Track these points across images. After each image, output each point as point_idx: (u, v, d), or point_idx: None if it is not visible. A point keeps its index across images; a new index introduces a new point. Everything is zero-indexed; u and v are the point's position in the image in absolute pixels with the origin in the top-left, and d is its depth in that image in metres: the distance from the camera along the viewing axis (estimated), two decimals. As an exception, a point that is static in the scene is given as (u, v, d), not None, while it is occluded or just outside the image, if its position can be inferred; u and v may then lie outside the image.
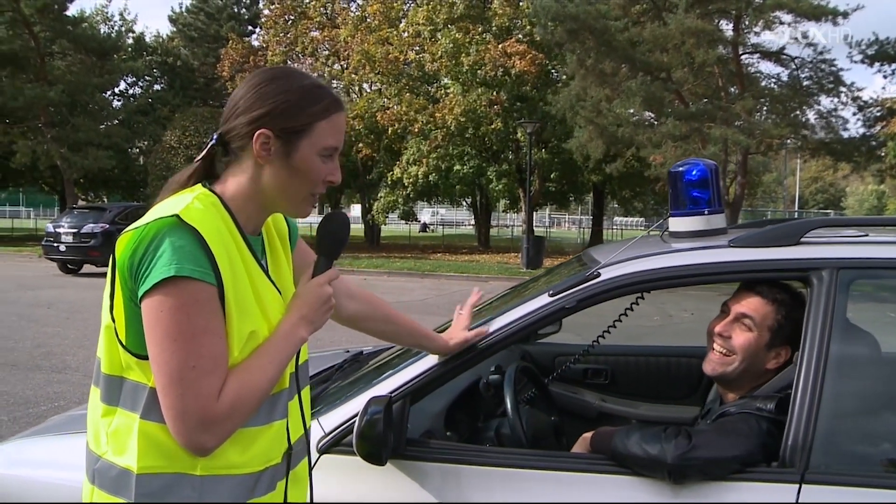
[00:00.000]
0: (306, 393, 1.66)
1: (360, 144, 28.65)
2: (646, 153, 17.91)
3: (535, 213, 38.56)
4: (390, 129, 26.35)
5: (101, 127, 29.71)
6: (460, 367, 2.06)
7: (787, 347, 2.08)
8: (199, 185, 1.48)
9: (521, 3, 24.54)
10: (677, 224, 2.32)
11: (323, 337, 8.48)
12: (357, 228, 44.88)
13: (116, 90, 35.60)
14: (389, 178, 27.36)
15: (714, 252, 2.06)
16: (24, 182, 38.16)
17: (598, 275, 2.04)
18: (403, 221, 34.66)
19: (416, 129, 25.58)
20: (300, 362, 1.62)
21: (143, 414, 1.37)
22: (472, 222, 37.44)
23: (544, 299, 2.06)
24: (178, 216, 1.33)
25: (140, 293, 1.32)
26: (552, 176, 29.47)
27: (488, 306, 2.58)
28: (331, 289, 1.53)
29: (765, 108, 19.72)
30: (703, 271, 2.03)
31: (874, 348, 2.07)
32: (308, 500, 1.68)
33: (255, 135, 1.42)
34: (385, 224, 33.82)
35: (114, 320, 1.39)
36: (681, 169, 2.33)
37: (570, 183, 30.75)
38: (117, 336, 1.39)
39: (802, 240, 2.01)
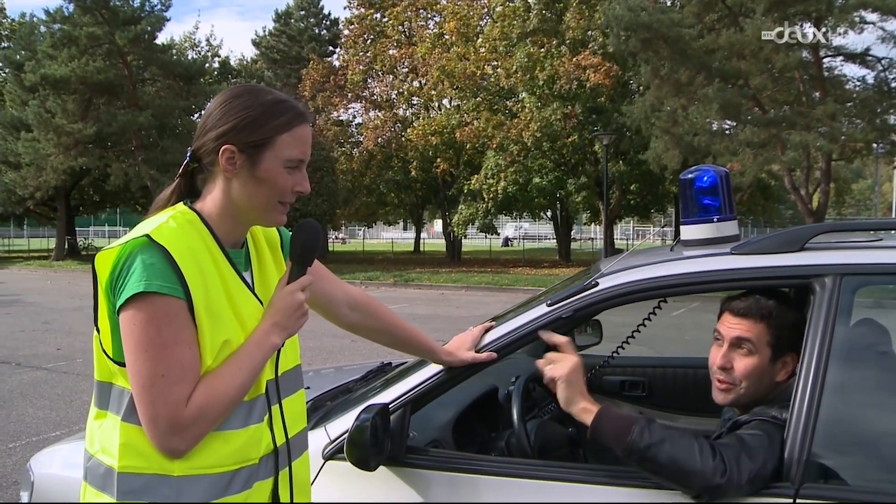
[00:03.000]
0: (291, 401, 1.69)
1: (439, 160, 28.90)
2: (723, 161, 17.40)
3: (618, 225, 37.90)
4: (468, 144, 26.52)
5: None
6: (458, 378, 2.08)
7: (791, 354, 1.98)
8: (181, 203, 1.57)
9: (594, 15, 24.30)
10: (688, 232, 2.28)
11: (362, 349, 8.59)
12: (439, 244, 45.22)
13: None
14: (467, 188, 27.49)
15: (715, 259, 2.02)
16: (119, 203, 39.94)
17: (596, 284, 2.03)
18: (484, 235, 34.65)
19: (494, 145, 25.67)
20: (285, 369, 1.66)
21: (125, 417, 1.46)
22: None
23: (542, 309, 2.06)
24: (148, 236, 1.43)
25: (117, 307, 1.41)
26: (632, 188, 28.98)
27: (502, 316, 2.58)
28: (303, 295, 1.58)
29: (853, 113, 18.87)
30: (702, 279, 1.99)
31: (887, 360, 1.98)
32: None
33: (221, 150, 1.50)
34: (465, 237, 33.93)
35: (99, 331, 1.50)
36: (691, 176, 2.30)
37: (651, 195, 30.17)
38: (102, 346, 1.49)
39: (807, 245, 1.94)
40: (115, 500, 1.44)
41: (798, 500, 1.68)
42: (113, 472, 1.46)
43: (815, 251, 1.93)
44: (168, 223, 1.48)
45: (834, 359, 1.77)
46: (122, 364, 1.44)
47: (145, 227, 1.47)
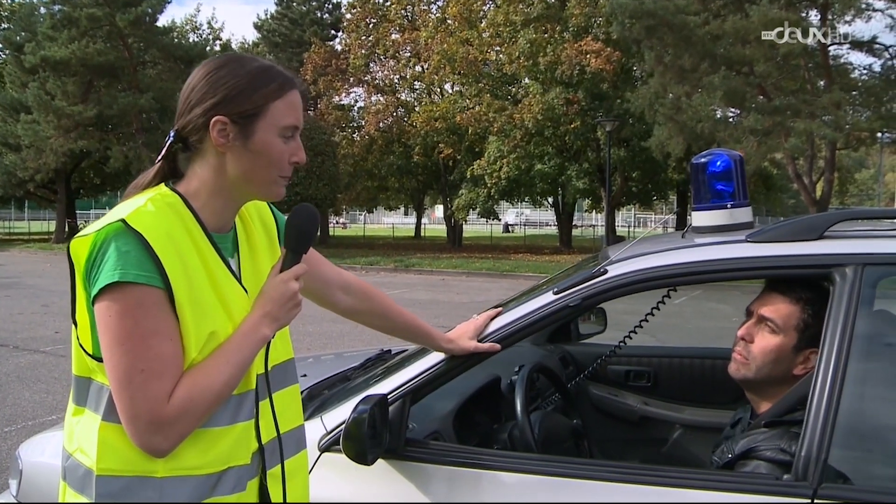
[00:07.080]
0: (283, 395, 1.60)
1: (441, 144, 28.81)
2: (726, 149, 17.30)
3: (619, 212, 37.82)
4: (470, 129, 26.43)
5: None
6: (459, 368, 2.00)
7: (816, 351, 1.92)
8: (162, 184, 1.46)
9: (598, 2, 24.13)
10: (700, 218, 2.19)
11: (364, 334, 8.53)
12: (440, 229, 45.14)
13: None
14: (470, 173, 27.43)
15: (729, 247, 1.93)
16: (120, 186, 39.80)
17: (605, 272, 1.95)
18: (485, 221, 34.64)
19: (496, 130, 25.57)
20: (276, 363, 1.57)
21: (104, 415, 1.37)
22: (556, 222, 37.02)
23: (549, 297, 1.98)
24: (124, 221, 1.32)
25: (92, 298, 1.32)
26: (634, 175, 28.90)
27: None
28: (297, 285, 1.48)
29: (858, 101, 18.73)
30: (715, 268, 1.90)
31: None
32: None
33: (211, 123, 1.39)
34: (466, 223, 33.89)
35: (76, 324, 1.40)
36: (703, 160, 2.21)
37: (652, 182, 30.10)
38: (79, 340, 1.40)
39: (826, 234, 1.86)
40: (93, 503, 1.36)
41: (816, 501, 1.60)
42: (92, 473, 1.36)
43: (835, 239, 1.85)
44: (146, 206, 1.37)
45: (855, 353, 1.69)
46: (101, 360, 1.35)
47: (121, 210, 1.36)
